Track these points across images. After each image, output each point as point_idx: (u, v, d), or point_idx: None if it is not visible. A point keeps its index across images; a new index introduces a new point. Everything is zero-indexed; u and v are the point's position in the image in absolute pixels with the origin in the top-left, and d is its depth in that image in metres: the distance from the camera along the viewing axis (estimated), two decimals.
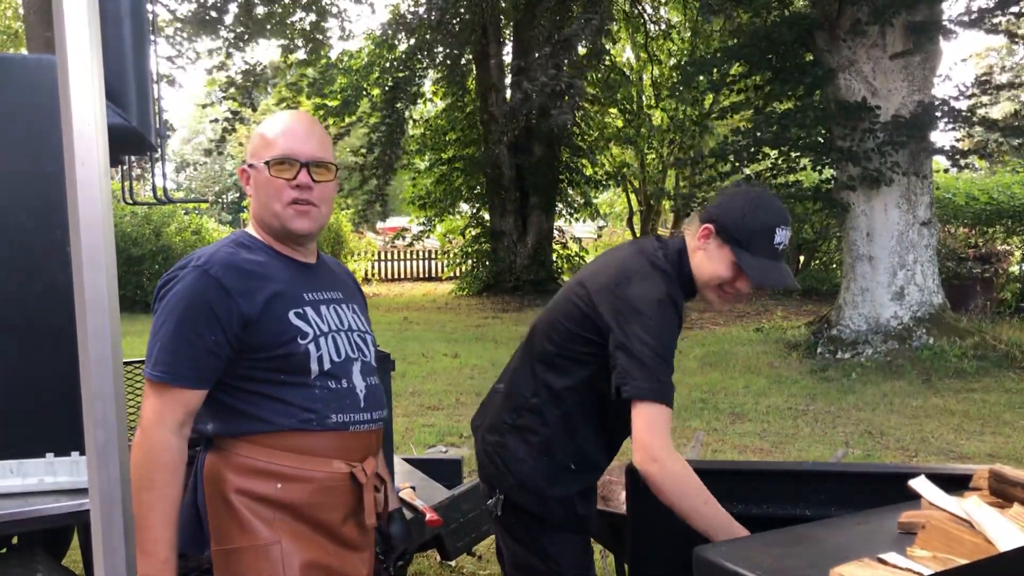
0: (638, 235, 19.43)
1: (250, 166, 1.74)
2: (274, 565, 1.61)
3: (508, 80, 16.85)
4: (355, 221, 18.15)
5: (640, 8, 18.47)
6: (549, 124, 13.23)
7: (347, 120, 15.49)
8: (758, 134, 9.58)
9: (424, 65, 15.84)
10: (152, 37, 3.45)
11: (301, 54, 15.39)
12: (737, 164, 9.88)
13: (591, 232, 24.17)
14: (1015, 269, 12.73)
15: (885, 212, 8.94)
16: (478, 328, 12.69)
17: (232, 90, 14.54)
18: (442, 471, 3.47)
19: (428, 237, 20.56)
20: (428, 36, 14.87)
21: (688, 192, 13.35)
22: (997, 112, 13.24)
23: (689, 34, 18.26)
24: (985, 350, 8.48)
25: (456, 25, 14.89)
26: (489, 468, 2.11)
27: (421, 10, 14.35)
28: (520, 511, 2.05)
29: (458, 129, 18.58)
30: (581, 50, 13.88)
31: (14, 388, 2.55)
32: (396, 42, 15.20)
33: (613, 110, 19.34)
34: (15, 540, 2.42)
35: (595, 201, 20.89)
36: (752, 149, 9.69)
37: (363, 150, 15.21)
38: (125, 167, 3.98)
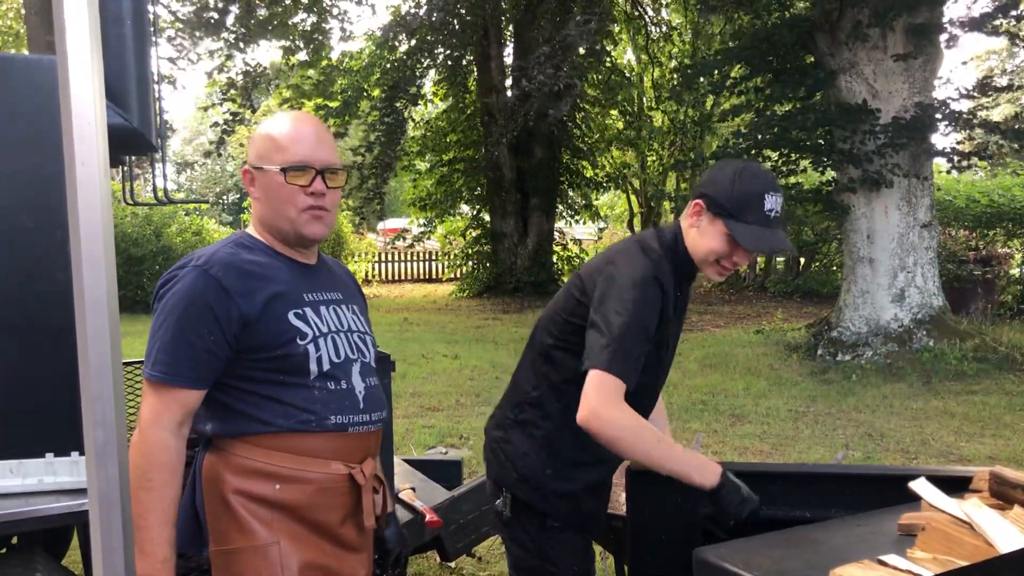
0: None
1: (256, 168, 1.73)
2: (272, 566, 1.61)
3: (509, 82, 16.87)
4: (354, 222, 18.16)
5: (641, 10, 18.47)
6: (548, 121, 13.22)
7: (348, 120, 15.49)
8: (758, 136, 9.58)
9: (425, 65, 15.85)
10: (153, 38, 3.45)
11: (302, 55, 15.39)
12: None
13: (591, 234, 24.18)
14: (1015, 271, 12.73)
15: (886, 214, 8.94)
16: (478, 329, 12.69)
17: (232, 91, 14.54)
18: (442, 472, 3.48)
19: (428, 238, 20.56)
20: (429, 37, 14.89)
21: (688, 194, 13.34)
22: (997, 114, 13.24)
23: (690, 36, 18.27)
24: (985, 352, 8.48)
25: (457, 26, 14.90)
26: (494, 464, 2.11)
27: (422, 12, 14.35)
28: (525, 509, 2.05)
29: (459, 130, 18.59)
30: (581, 51, 13.88)
31: (14, 388, 2.56)
32: (397, 43, 15.21)
33: (614, 112, 19.35)
34: (15, 540, 2.42)
35: (595, 203, 20.90)
36: (753, 151, 9.69)
37: (362, 149, 15.23)
38: (126, 167, 3.98)
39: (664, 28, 18.94)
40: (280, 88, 16.87)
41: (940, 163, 10.10)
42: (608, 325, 1.83)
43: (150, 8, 3.35)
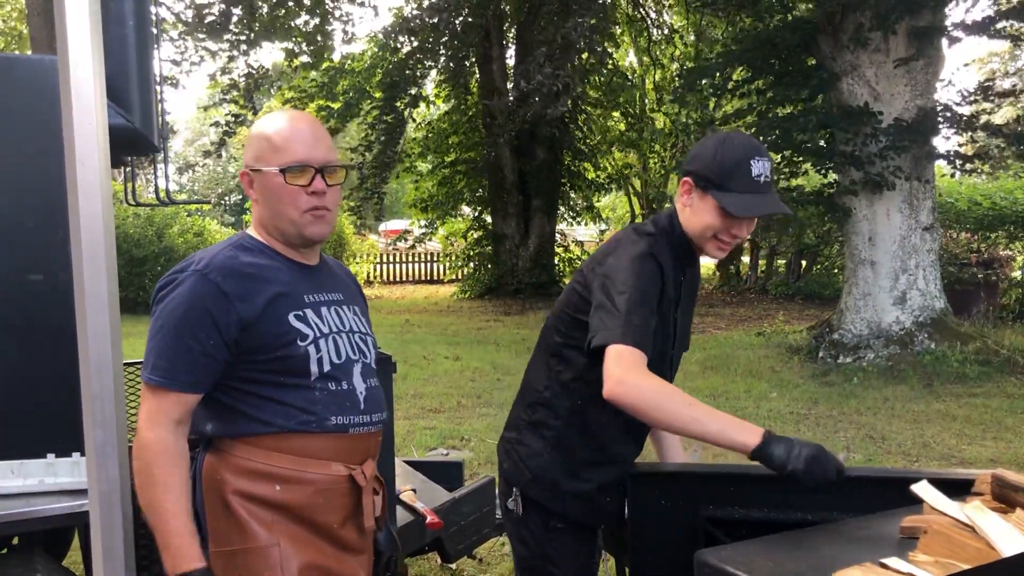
0: None
1: (254, 171, 1.72)
2: (272, 567, 1.61)
3: (511, 84, 16.88)
4: (356, 224, 18.15)
5: (643, 12, 18.48)
6: (545, 120, 13.22)
7: (351, 123, 15.50)
8: (760, 138, 9.58)
9: (426, 65, 15.85)
10: (156, 40, 3.45)
11: (305, 57, 15.39)
12: None
13: (593, 236, 24.18)
14: (1017, 274, 12.71)
15: (887, 217, 8.94)
16: (480, 331, 12.69)
17: (234, 92, 14.54)
18: (443, 474, 3.48)
19: (430, 240, 20.56)
20: (432, 38, 14.89)
21: None
22: (999, 117, 13.23)
23: (692, 38, 18.27)
24: (987, 355, 8.47)
25: (459, 27, 14.90)
26: (507, 464, 2.11)
27: (423, 12, 14.36)
28: (534, 508, 2.05)
29: (460, 132, 18.60)
30: (584, 55, 13.89)
31: (15, 388, 2.56)
32: (399, 45, 15.21)
33: (616, 114, 19.35)
34: (15, 540, 2.42)
35: (597, 205, 20.90)
36: None
37: (361, 148, 15.23)
38: (128, 168, 3.98)
39: (666, 30, 18.94)
40: (283, 89, 16.88)
41: (942, 166, 10.09)
42: (613, 303, 1.81)
43: (153, 9, 3.35)
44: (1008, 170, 15.18)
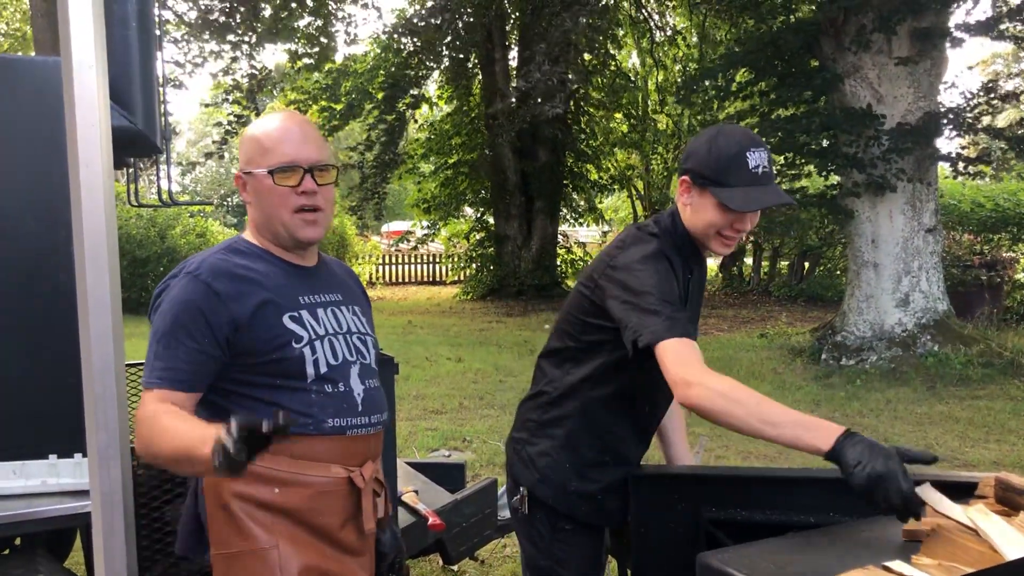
0: None
1: (246, 173, 1.72)
2: (272, 569, 1.61)
3: (513, 85, 16.89)
4: (358, 225, 18.16)
5: (646, 13, 18.48)
6: (544, 118, 13.21)
7: (353, 124, 15.51)
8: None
9: (428, 66, 15.85)
10: (159, 42, 3.46)
11: (307, 59, 15.40)
12: None
13: (596, 237, 24.18)
14: (1020, 276, 12.69)
15: (890, 219, 8.93)
16: (482, 332, 12.69)
17: (236, 93, 14.56)
18: (445, 475, 3.48)
19: (432, 241, 20.57)
20: (436, 38, 14.90)
21: None
22: (1003, 120, 13.21)
23: (695, 39, 18.27)
24: (990, 357, 8.45)
25: (462, 27, 14.91)
26: (516, 464, 2.11)
27: (426, 13, 14.36)
28: (541, 508, 2.05)
29: (463, 134, 18.62)
30: (586, 56, 13.90)
31: (18, 389, 2.56)
32: (402, 46, 15.22)
33: (618, 115, 19.35)
34: (18, 541, 2.42)
35: (600, 206, 20.91)
36: None
37: (361, 147, 15.22)
38: (130, 169, 3.99)
39: (669, 32, 18.95)
40: (285, 90, 16.90)
41: (945, 168, 10.08)
42: (644, 301, 1.79)
43: (156, 10, 3.36)
44: (1011, 171, 15.17)
